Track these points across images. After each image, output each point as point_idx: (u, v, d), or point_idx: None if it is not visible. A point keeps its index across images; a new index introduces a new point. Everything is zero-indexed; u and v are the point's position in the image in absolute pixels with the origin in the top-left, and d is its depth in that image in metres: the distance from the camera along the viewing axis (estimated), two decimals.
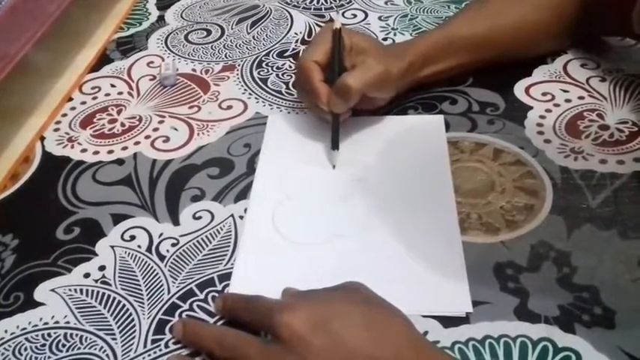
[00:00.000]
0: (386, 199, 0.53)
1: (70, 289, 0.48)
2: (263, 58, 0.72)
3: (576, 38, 0.66)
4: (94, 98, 0.68)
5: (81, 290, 0.48)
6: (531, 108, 0.61)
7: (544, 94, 0.63)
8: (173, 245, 0.51)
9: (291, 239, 0.50)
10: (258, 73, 0.69)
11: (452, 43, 0.60)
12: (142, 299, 0.47)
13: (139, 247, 0.51)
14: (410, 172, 0.55)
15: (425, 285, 0.46)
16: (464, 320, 0.44)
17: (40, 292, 0.48)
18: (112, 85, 0.70)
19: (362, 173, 0.55)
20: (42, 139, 0.63)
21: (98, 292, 0.48)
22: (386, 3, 0.79)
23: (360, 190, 0.53)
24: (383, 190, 0.54)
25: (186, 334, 0.44)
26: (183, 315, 0.46)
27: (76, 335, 0.45)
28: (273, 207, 0.53)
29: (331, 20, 0.61)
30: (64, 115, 0.66)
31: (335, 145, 0.56)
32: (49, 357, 0.44)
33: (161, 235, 0.52)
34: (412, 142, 0.58)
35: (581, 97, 0.62)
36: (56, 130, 0.64)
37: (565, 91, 0.63)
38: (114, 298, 0.47)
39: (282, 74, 0.69)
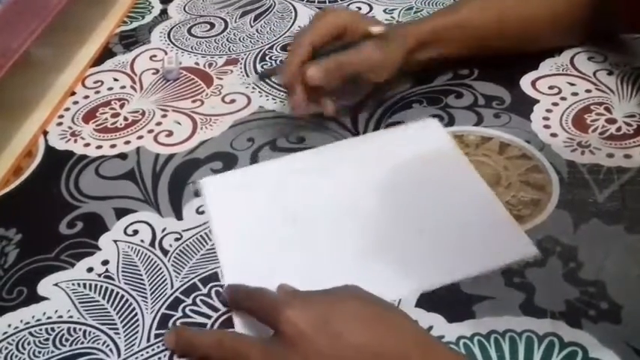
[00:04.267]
0: (411, 204, 0.51)
1: (73, 284, 0.48)
2: (267, 52, 0.71)
3: (589, 35, 0.65)
4: (97, 92, 0.68)
5: (84, 285, 0.48)
6: (538, 101, 0.61)
7: (551, 87, 0.62)
8: (176, 240, 0.51)
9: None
10: (262, 66, 0.69)
11: (461, 30, 0.59)
12: (145, 294, 0.47)
13: (142, 241, 0.51)
14: (428, 179, 0.53)
15: (482, 241, 0.47)
16: (469, 315, 0.43)
17: (44, 287, 0.48)
18: (115, 79, 0.69)
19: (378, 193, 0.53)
20: (45, 133, 0.63)
21: (101, 286, 0.48)
22: None
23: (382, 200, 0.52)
24: (405, 200, 0.52)
25: (180, 344, 0.43)
26: (187, 310, 0.46)
27: (80, 330, 0.45)
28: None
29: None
30: (67, 109, 0.66)
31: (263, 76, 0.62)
32: (52, 351, 0.44)
33: (164, 229, 0.52)
34: (417, 151, 0.56)
35: (588, 91, 0.61)
36: (59, 124, 0.64)
37: (572, 84, 0.62)
38: (117, 293, 0.47)
39: None
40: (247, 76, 0.68)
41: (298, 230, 0.50)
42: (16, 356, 0.43)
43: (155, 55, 0.72)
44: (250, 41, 0.73)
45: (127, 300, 0.46)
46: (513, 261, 0.46)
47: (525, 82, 0.63)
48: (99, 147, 0.61)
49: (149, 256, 0.50)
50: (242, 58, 0.71)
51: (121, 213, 0.53)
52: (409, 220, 0.50)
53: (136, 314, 0.46)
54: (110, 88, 0.68)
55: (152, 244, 0.50)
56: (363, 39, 0.55)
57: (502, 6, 0.61)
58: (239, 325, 0.44)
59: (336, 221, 0.51)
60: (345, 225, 0.50)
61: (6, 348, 0.44)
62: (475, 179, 0.52)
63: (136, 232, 0.52)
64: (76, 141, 0.61)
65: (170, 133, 0.61)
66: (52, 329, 0.45)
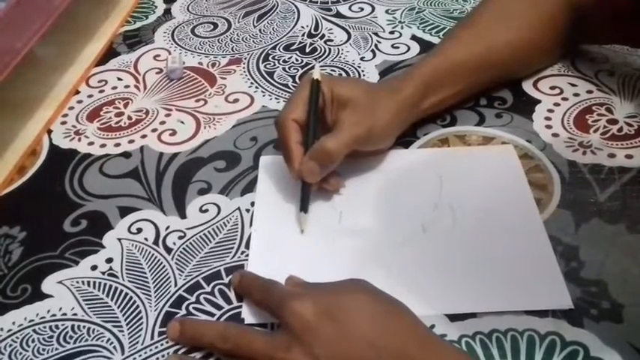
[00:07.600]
0: (465, 226, 0.50)
1: (77, 282, 0.48)
2: (269, 52, 0.72)
3: (571, 50, 0.65)
4: (101, 91, 0.68)
5: (88, 282, 0.48)
6: (539, 102, 0.61)
7: (552, 87, 0.62)
8: (180, 238, 0.51)
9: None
10: (265, 66, 0.69)
11: (451, 69, 0.56)
12: (149, 292, 0.47)
13: (146, 239, 0.51)
14: (488, 203, 0.51)
15: (520, 281, 0.45)
16: (471, 314, 0.44)
17: (48, 285, 0.48)
18: (119, 79, 0.70)
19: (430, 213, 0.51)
20: (49, 132, 0.63)
21: (105, 284, 0.48)
22: None
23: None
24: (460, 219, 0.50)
25: (185, 332, 0.43)
26: (190, 308, 0.46)
27: (84, 327, 0.45)
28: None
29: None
30: (71, 108, 0.66)
31: (304, 208, 0.50)
32: (56, 349, 0.44)
33: (168, 227, 0.52)
34: (486, 176, 0.54)
35: (589, 91, 0.62)
36: (63, 123, 0.64)
37: (573, 85, 0.62)
38: (121, 291, 0.47)
39: (289, 67, 0.69)
40: (250, 75, 0.68)
41: (340, 228, 0.50)
42: (20, 353, 0.44)
43: (159, 55, 0.73)
44: (253, 41, 0.74)
45: (130, 298, 0.47)
46: (545, 308, 0.43)
47: (527, 83, 0.63)
48: (103, 146, 0.61)
49: (153, 254, 0.50)
50: (245, 58, 0.71)
51: (124, 211, 0.54)
52: (455, 241, 0.48)
53: (139, 312, 0.46)
54: (114, 88, 0.68)
55: (156, 242, 0.51)
56: (340, 110, 0.51)
57: (486, 36, 0.58)
58: (247, 314, 0.45)
59: (381, 227, 0.50)
60: (389, 233, 0.49)
61: (10, 345, 0.44)
62: (534, 217, 0.49)
63: (139, 230, 0.52)
64: (80, 140, 0.62)
65: (174, 132, 0.62)
66: (56, 327, 0.45)
